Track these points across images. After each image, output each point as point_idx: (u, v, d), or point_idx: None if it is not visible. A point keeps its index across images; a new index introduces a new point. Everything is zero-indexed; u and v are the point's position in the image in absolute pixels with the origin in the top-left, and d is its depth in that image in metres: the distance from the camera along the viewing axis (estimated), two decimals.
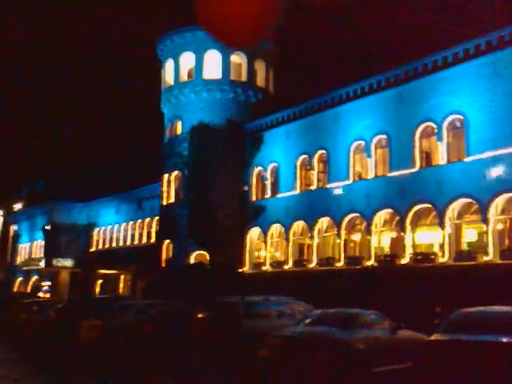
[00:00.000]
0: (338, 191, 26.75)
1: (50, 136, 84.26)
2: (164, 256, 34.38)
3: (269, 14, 2.40)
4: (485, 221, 21.13)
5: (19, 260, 55.07)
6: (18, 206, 58.75)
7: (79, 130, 79.03)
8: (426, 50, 24.81)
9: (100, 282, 44.84)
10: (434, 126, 23.50)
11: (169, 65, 35.74)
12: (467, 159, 22.11)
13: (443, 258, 22.24)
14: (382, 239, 25.93)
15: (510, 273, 19.06)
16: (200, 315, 14.65)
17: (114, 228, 45.61)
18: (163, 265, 34.28)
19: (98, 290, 44.42)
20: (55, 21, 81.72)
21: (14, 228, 58.10)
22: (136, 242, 42.55)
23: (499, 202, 21.12)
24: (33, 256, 52.23)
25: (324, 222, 28.10)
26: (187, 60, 34.68)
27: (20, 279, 53.97)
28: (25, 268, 52.36)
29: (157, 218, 37.98)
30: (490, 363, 8.42)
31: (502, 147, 20.84)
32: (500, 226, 21.47)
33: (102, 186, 47.56)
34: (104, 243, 46.93)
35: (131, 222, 43.42)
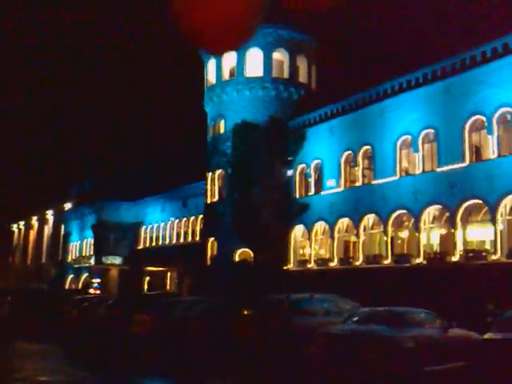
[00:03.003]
0: None
1: (96, 136, 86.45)
2: (209, 254, 34.72)
3: (250, 14, 2.31)
4: None
5: (70, 258, 56.73)
6: (68, 206, 60.50)
7: (125, 130, 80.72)
8: (473, 42, 24.06)
9: (148, 279, 45.67)
10: (484, 119, 22.78)
11: (211, 64, 36.00)
12: None
13: (495, 255, 21.55)
14: (431, 236, 25.34)
15: None
16: (246, 312, 14.70)
17: (160, 226, 46.40)
18: (208, 262, 34.62)
19: (145, 286, 45.26)
20: (97, 17, 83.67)
21: (64, 227, 59.87)
22: (182, 239, 43.13)
23: None
24: (83, 254, 53.70)
25: (370, 218, 27.70)
26: (229, 58, 34.81)
27: (71, 276, 55.58)
28: (76, 265, 53.88)
29: (201, 216, 38.39)
30: None
31: None
32: None
33: (148, 185, 48.43)
34: (151, 241, 47.79)
35: (177, 220, 44.03)
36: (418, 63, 26.38)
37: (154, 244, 47.14)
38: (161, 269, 43.52)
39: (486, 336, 9.36)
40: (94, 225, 50.90)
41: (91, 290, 42.10)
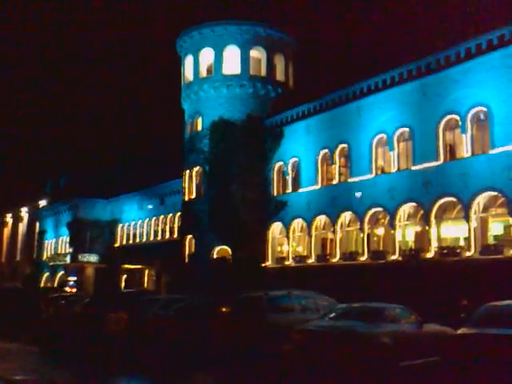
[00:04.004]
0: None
1: (73, 133, 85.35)
2: (187, 251, 34.66)
3: None
4: (511, 214, 20.80)
5: (45, 256, 56.02)
6: (42, 203, 59.68)
7: (101, 127, 79.87)
8: (448, 42, 24.47)
9: (125, 276, 45.41)
10: (458, 118, 23.21)
11: (188, 61, 35.91)
12: (492, 152, 21.80)
13: (469, 252, 22.00)
14: (406, 233, 25.74)
15: None
16: (224, 309, 14.73)
17: (138, 224, 46.14)
18: (186, 260, 34.57)
19: (122, 284, 44.99)
20: (75, 15, 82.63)
21: (39, 224, 59.07)
22: (159, 237, 42.98)
23: None
24: (58, 252, 53.09)
25: (346, 216, 28.00)
26: (206, 56, 34.83)
27: (46, 274, 54.90)
28: (51, 263, 53.25)
29: (179, 213, 38.31)
30: None
31: None
32: None
33: (125, 182, 48.11)
34: (128, 239, 47.49)
35: (154, 218, 43.86)
36: (394, 63, 26.71)
37: (131, 242, 46.86)
38: (138, 266, 43.31)
39: (460, 331, 9.56)
40: (69, 222, 50.37)
41: (67, 288, 41.73)
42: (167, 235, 42.00)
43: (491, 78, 22.00)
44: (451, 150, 24.04)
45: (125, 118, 78.34)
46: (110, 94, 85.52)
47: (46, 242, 56.78)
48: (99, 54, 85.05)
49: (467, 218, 22.25)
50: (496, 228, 22.96)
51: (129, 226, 47.56)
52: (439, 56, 24.30)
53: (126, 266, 44.57)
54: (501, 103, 21.60)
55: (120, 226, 48.69)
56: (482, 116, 22.75)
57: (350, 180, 27.78)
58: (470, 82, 22.73)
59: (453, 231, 24.08)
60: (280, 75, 35.34)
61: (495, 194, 21.78)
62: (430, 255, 23.39)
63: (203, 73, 35.17)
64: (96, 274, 48.34)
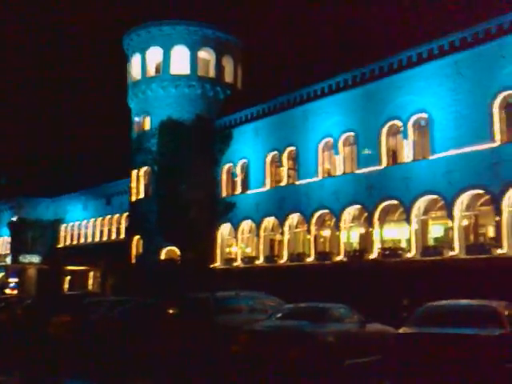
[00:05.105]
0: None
1: (15, 130, 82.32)
2: (134, 252, 34.23)
3: None
4: (450, 217, 21.75)
5: None
6: None
7: (46, 124, 77.40)
8: (391, 50, 25.23)
9: (68, 278, 44.35)
10: (400, 124, 24.05)
11: (136, 59, 35.42)
12: (432, 157, 22.71)
13: (410, 253, 22.82)
14: (350, 235, 26.42)
15: (475, 267, 19.72)
16: (171, 311, 14.68)
17: (82, 224, 45.15)
18: (133, 261, 34.13)
19: (66, 286, 43.94)
20: (17, 8, 79.86)
21: None
22: (105, 238, 42.22)
23: (464, 198, 21.76)
24: None
25: (294, 218, 28.44)
26: (154, 55, 34.49)
27: None
28: None
29: (126, 214, 37.77)
30: (455, 354, 8.80)
31: (465, 145, 21.48)
32: (465, 222, 22.11)
33: (69, 182, 47.04)
34: (72, 239, 46.43)
35: (100, 218, 43.05)
36: (340, 68, 27.29)
37: (75, 242, 45.82)
38: (83, 268, 42.38)
39: (401, 330, 9.93)
40: (10, 222, 48.74)
41: (7, 290, 40.41)
42: (113, 236, 41.32)
43: (431, 85, 22.91)
44: (393, 154, 24.85)
45: (70, 116, 76.34)
46: (56, 90, 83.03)
47: None
48: (42, 48, 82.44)
49: (408, 221, 23.08)
50: (436, 230, 23.93)
51: (73, 226, 46.49)
52: (382, 63, 25.05)
53: (70, 267, 43.54)
54: (440, 110, 22.54)
55: (63, 226, 47.54)
56: (422, 122, 23.65)
57: (297, 182, 28.23)
58: (412, 89, 23.59)
59: (395, 233, 24.91)
60: (229, 77, 35.47)
61: (435, 197, 22.69)
62: (372, 256, 24.12)
63: (151, 72, 34.82)
64: (38, 276, 47.02)
